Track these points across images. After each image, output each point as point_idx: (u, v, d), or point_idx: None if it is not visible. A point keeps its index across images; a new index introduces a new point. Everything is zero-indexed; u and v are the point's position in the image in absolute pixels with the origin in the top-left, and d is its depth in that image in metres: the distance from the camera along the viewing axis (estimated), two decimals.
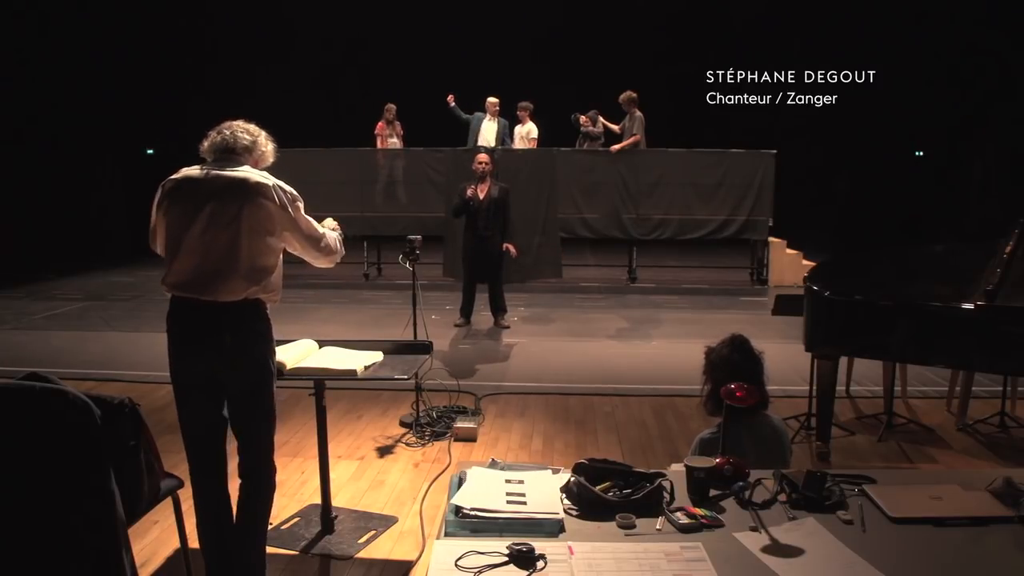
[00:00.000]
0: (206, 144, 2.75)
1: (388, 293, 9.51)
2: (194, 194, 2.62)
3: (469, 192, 7.09)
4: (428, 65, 13.38)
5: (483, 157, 7.21)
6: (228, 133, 2.74)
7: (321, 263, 2.90)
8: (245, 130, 2.77)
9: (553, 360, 6.40)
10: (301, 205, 2.74)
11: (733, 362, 2.70)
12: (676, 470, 2.73)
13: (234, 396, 2.71)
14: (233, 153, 2.72)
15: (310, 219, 2.78)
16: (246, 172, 2.67)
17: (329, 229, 2.93)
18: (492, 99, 9.99)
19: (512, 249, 7.32)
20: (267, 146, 2.82)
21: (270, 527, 3.36)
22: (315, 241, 2.79)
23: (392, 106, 10.51)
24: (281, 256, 2.74)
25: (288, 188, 2.72)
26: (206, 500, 2.77)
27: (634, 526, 1.91)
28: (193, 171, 2.70)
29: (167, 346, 2.66)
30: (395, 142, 10.50)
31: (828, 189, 15.07)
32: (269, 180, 2.68)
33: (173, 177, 2.69)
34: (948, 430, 4.75)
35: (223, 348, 2.60)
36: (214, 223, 2.59)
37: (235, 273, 2.58)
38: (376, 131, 10.49)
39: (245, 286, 2.60)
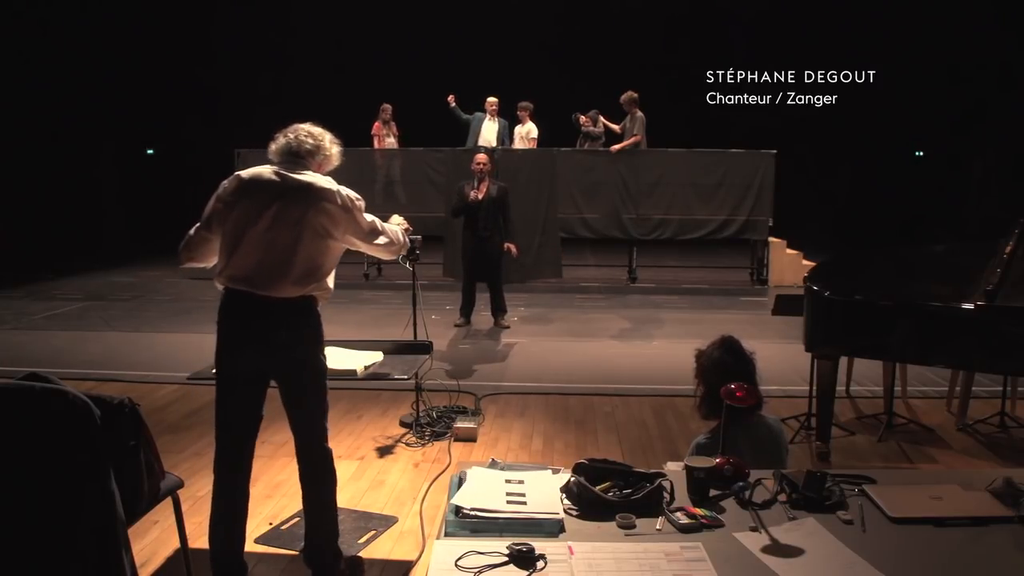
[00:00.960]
0: (273, 147, 2.83)
1: (388, 293, 9.51)
2: (262, 193, 2.70)
3: (470, 194, 7.09)
4: (428, 65, 13.39)
5: (481, 157, 7.21)
6: (293, 137, 2.82)
7: (383, 256, 3.03)
8: (309, 134, 2.84)
9: (553, 360, 6.40)
10: (362, 205, 2.83)
11: (725, 364, 2.70)
12: (673, 468, 2.74)
13: (288, 388, 2.78)
14: (298, 157, 2.80)
15: (372, 219, 2.87)
16: (311, 177, 2.76)
17: (395, 224, 3.07)
18: (492, 99, 9.99)
19: (513, 249, 7.32)
20: (332, 150, 2.90)
21: (270, 527, 3.37)
22: (374, 237, 2.89)
23: (388, 106, 10.48)
24: (338, 257, 2.83)
25: (350, 192, 2.81)
26: (225, 494, 2.80)
27: (634, 526, 1.91)
28: (262, 170, 2.77)
29: (217, 338, 2.73)
30: (392, 142, 10.48)
31: (828, 189, 15.07)
32: (333, 185, 2.77)
33: (242, 174, 2.75)
34: (948, 430, 4.74)
35: (276, 343, 2.68)
36: (279, 223, 2.66)
37: (293, 271, 2.66)
38: (373, 131, 10.47)
39: (302, 284, 2.68)
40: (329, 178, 2.82)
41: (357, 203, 2.81)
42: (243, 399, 2.76)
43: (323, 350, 2.84)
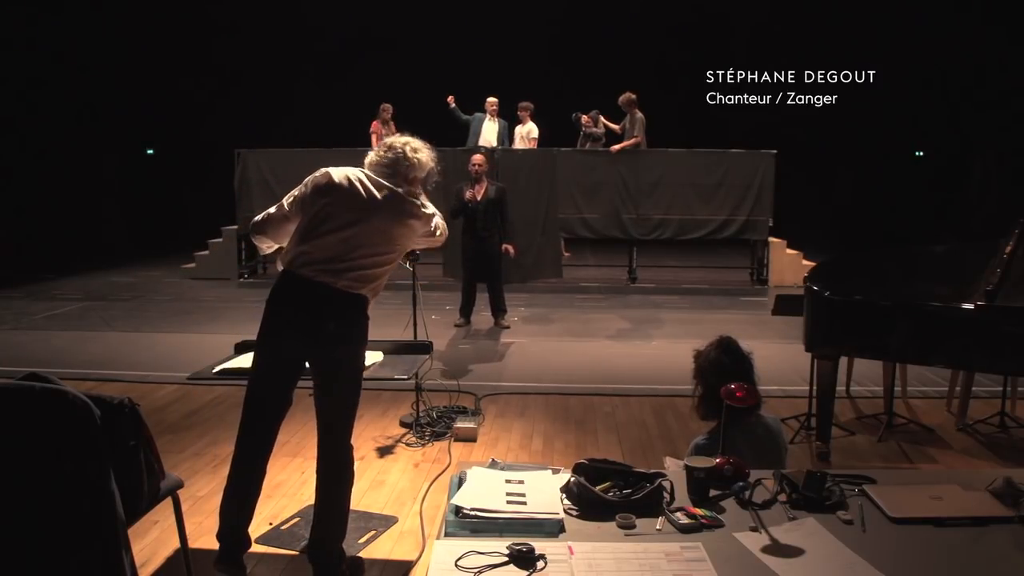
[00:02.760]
0: (372, 156, 2.94)
1: (388, 293, 9.39)
2: (355, 194, 2.79)
3: (468, 195, 7.09)
4: (428, 65, 13.39)
5: (478, 158, 7.21)
6: (400, 152, 2.89)
7: (435, 246, 3.15)
8: (415, 153, 2.92)
9: (553, 360, 6.40)
10: (436, 219, 2.98)
11: (723, 364, 2.70)
12: (671, 465, 2.75)
13: (325, 381, 2.80)
14: (397, 171, 2.89)
15: (439, 227, 3.00)
16: (400, 191, 2.86)
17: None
18: (492, 99, 9.99)
19: (511, 249, 7.32)
20: (426, 167, 2.97)
21: (270, 527, 3.37)
22: (436, 239, 3.03)
23: (388, 106, 10.45)
24: (396, 264, 2.93)
25: (429, 207, 2.95)
26: (243, 472, 2.83)
27: (634, 526, 1.91)
28: (358, 173, 2.86)
29: (264, 319, 2.77)
30: None
31: (828, 189, 15.08)
32: (420, 200, 2.91)
33: (334, 172, 2.83)
34: (948, 430, 4.74)
35: (323, 333, 2.72)
36: (362, 228, 2.76)
37: (361, 270, 2.76)
38: (372, 130, 10.46)
39: (361, 282, 2.77)
40: (415, 192, 2.92)
41: (433, 216, 2.95)
42: (278, 381, 2.80)
43: (365, 349, 2.89)
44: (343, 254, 2.74)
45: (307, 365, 2.83)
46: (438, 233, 3.03)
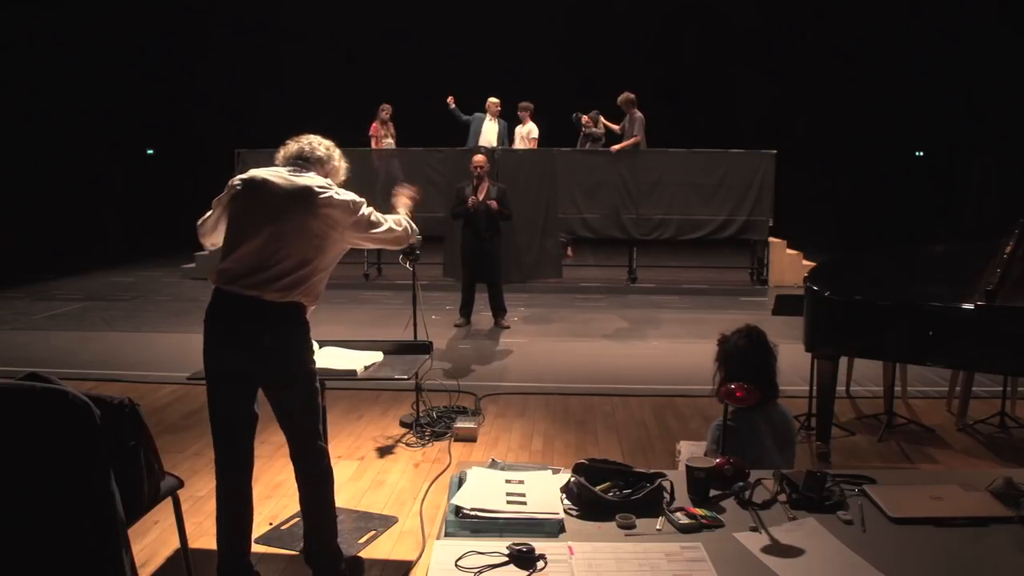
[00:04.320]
0: (282, 152, 2.86)
1: (388, 293, 9.51)
2: (265, 194, 2.70)
3: (469, 199, 7.08)
4: (428, 65, 13.39)
5: (480, 159, 7.21)
6: (306, 144, 2.85)
7: (390, 246, 3.00)
8: (321, 143, 2.88)
9: (553, 360, 6.40)
10: (364, 209, 2.80)
11: (747, 354, 2.70)
12: (685, 450, 2.77)
13: (274, 393, 2.76)
14: (307, 163, 2.82)
15: (370, 211, 2.84)
16: (312, 179, 2.76)
17: (402, 216, 3.04)
18: (493, 99, 9.98)
19: (494, 204, 7.11)
20: (340, 163, 2.92)
21: (270, 527, 3.37)
22: (374, 228, 2.84)
23: (387, 106, 10.43)
24: (331, 263, 2.81)
25: (350, 195, 2.80)
26: (227, 495, 2.80)
27: (634, 526, 1.91)
28: (264, 173, 2.77)
29: (203, 336, 2.71)
30: (390, 143, 10.45)
31: (828, 189, 15.08)
32: (333, 187, 2.78)
33: (244, 176, 2.77)
34: (948, 430, 4.74)
35: (260, 346, 2.65)
36: (279, 224, 2.66)
37: (285, 273, 2.65)
38: (371, 132, 10.45)
39: (291, 288, 2.66)
40: (330, 181, 2.82)
41: (358, 207, 2.79)
42: (232, 399, 2.74)
43: (311, 354, 2.80)
44: (263, 263, 2.64)
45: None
46: (380, 229, 2.86)
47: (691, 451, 3.01)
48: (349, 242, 2.82)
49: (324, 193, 2.72)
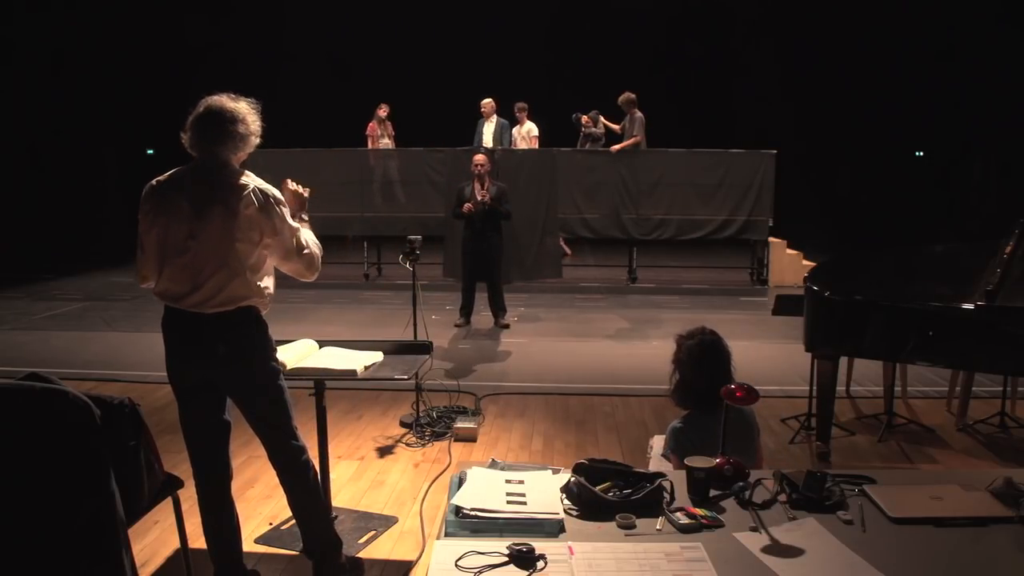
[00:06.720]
0: (186, 138, 2.63)
1: (388, 293, 9.51)
2: (175, 205, 2.54)
3: (478, 197, 7.06)
4: (426, 65, 13.39)
5: (480, 158, 7.21)
6: (209, 122, 2.58)
7: (304, 275, 2.75)
8: (228, 111, 2.59)
9: (553, 360, 6.40)
10: (285, 210, 2.62)
11: (700, 360, 2.71)
12: (656, 444, 2.79)
13: (240, 399, 2.72)
14: (214, 145, 2.57)
15: (296, 226, 2.67)
16: (226, 176, 2.57)
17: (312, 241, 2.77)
18: (486, 100, 9.98)
19: (485, 195, 7.09)
20: (253, 124, 2.63)
21: (270, 527, 3.37)
22: (297, 250, 2.66)
23: (385, 105, 10.41)
24: (272, 265, 2.69)
25: (270, 190, 2.61)
26: (207, 503, 2.79)
27: (634, 526, 1.91)
28: (171, 177, 2.61)
29: (164, 350, 2.67)
30: (387, 143, 10.42)
31: (828, 189, 15.08)
32: (249, 183, 2.57)
33: (154, 183, 2.60)
34: (948, 430, 4.74)
35: (215, 357, 2.59)
36: (196, 234, 2.52)
37: (219, 284, 2.53)
38: (368, 132, 10.42)
39: (235, 298, 2.56)
40: (248, 174, 2.60)
41: (279, 206, 2.59)
42: (198, 408, 2.70)
43: (273, 354, 2.73)
44: (194, 280, 2.52)
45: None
46: (305, 252, 2.65)
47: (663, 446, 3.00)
48: (265, 247, 2.60)
49: (239, 194, 2.53)
